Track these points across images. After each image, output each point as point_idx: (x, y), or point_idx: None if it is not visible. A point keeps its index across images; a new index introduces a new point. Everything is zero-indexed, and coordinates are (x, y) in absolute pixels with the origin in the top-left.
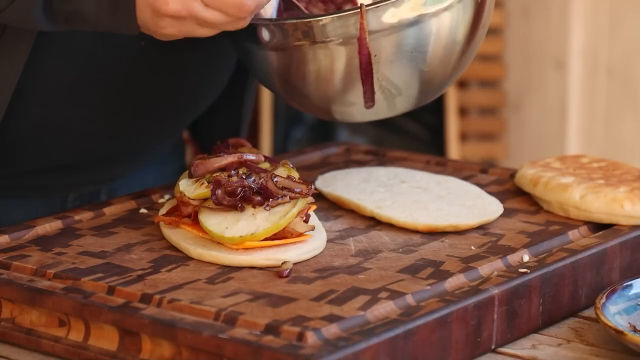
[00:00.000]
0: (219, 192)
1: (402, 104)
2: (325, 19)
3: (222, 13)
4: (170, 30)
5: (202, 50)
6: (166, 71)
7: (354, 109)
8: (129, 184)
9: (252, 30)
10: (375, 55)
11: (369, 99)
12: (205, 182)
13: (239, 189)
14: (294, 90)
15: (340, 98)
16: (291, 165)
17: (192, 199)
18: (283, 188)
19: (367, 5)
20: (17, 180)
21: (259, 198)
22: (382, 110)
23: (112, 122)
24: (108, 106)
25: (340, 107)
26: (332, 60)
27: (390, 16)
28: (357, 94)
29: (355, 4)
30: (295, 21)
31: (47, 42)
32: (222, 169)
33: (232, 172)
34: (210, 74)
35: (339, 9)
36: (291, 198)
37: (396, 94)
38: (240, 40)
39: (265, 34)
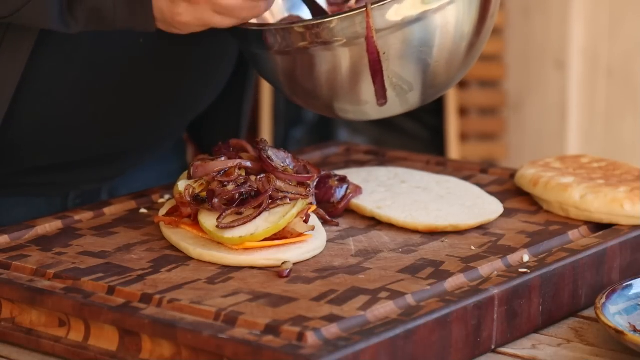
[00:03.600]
0: (215, 201)
1: (415, 99)
2: (332, 21)
3: None
4: (186, 17)
5: (202, 49)
6: (166, 69)
7: (368, 108)
8: (130, 183)
9: (259, 35)
10: (384, 53)
11: (381, 97)
12: (205, 183)
13: (237, 194)
14: (306, 93)
15: (353, 98)
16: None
17: (191, 202)
18: (282, 191)
19: (372, 4)
20: (18, 178)
21: (257, 202)
22: (395, 106)
23: (112, 120)
24: (108, 104)
25: (354, 107)
26: (342, 61)
27: (395, 13)
28: (369, 92)
29: None
30: (302, 24)
31: (48, 40)
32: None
33: (225, 182)
34: (210, 72)
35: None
36: (291, 199)
37: (408, 89)
38: (249, 46)
39: (272, 39)
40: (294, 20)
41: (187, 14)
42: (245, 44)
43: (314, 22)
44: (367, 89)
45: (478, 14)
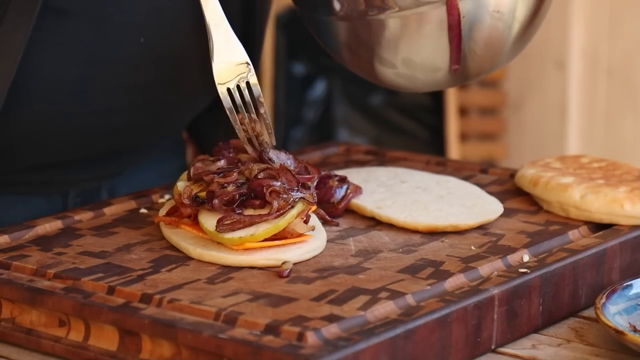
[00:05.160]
0: (215, 202)
1: (482, 68)
2: None
3: None
4: None
5: (202, 48)
6: (166, 67)
7: (440, 75)
8: (129, 182)
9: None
10: (464, 17)
11: (455, 61)
12: (204, 184)
13: (237, 195)
14: (378, 59)
15: (425, 64)
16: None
17: (190, 203)
18: (283, 195)
19: None
20: (17, 176)
21: (258, 202)
22: (465, 73)
23: (112, 118)
24: (107, 102)
25: (425, 75)
26: (418, 25)
27: None
28: (443, 58)
29: None
30: None
31: (46, 38)
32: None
33: (225, 184)
34: (210, 70)
35: None
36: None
37: (480, 55)
38: (312, 11)
39: (339, 4)
40: None
41: None
42: (310, 8)
43: None
44: (442, 54)
45: None
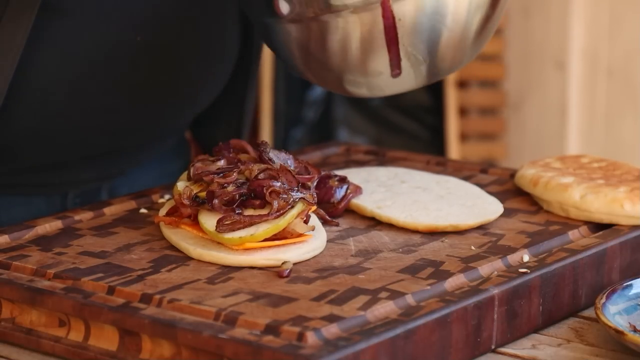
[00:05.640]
0: (215, 202)
1: (429, 73)
2: None
3: None
4: None
5: (201, 47)
6: (164, 66)
7: (381, 80)
8: (130, 182)
9: (270, 3)
10: (399, 19)
11: (396, 66)
12: (204, 184)
13: (237, 195)
14: (319, 65)
15: (366, 68)
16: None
17: (189, 204)
18: (283, 195)
19: None
20: (17, 177)
21: (258, 202)
22: (409, 79)
23: (111, 119)
24: (106, 102)
25: (367, 79)
26: (356, 28)
27: None
28: (383, 62)
29: None
30: None
31: (44, 37)
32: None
33: (224, 184)
34: (209, 71)
35: None
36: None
37: (422, 60)
38: (259, 15)
39: (283, 6)
40: None
41: None
42: (256, 14)
43: None
44: (382, 58)
45: None
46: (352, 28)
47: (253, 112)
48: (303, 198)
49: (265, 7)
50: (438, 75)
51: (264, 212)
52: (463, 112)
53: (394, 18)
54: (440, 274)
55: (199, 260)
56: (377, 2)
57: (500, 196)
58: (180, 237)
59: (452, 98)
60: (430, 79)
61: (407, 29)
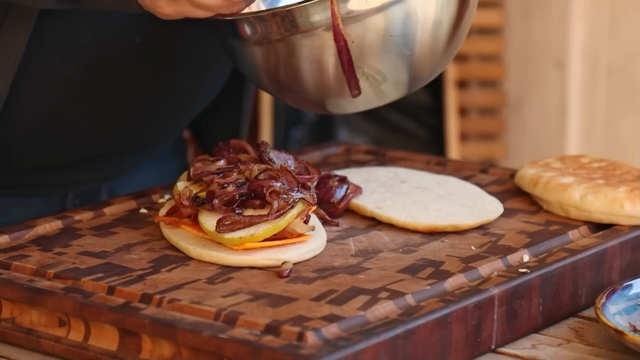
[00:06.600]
0: (215, 202)
1: (392, 91)
2: (296, 7)
3: None
4: (167, 10)
5: (199, 48)
6: (163, 67)
7: (344, 100)
8: (129, 183)
9: (233, 26)
10: (352, 42)
11: (354, 88)
12: (204, 184)
13: (237, 195)
14: (283, 86)
15: (328, 89)
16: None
17: (189, 204)
18: (284, 195)
19: None
20: (16, 178)
21: (258, 202)
22: (371, 98)
23: (110, 119)
24: (106, 103)
25: (330, 99)
26: (313, 50)
27: (359, 1)
28: (342, 82)
29: None
30: (271, 11)
31: (44, 39)
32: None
33: (224, 184)
34: (207, 71)
35: None
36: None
37: (382, 80)
38: (224, 39)
39: (246, 29)
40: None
41: (167, 7)
42: (221, 38)
43: (280, 9)
44: (340, 79)
45: (453, 3)
46: (316, 48)
47: (251, 111)
48: (303, 198)
49: (230, 29)
50: (404, 92)
51: (264, 212)
52: (463, 112)
53: (345, 40)
54: (440, 274)
55: (199, 260)
56: (329, 24)
57: (500, 196)
58: (180, 237)
59: (452, 98)
60: (394, 96)
61: (360, 51)
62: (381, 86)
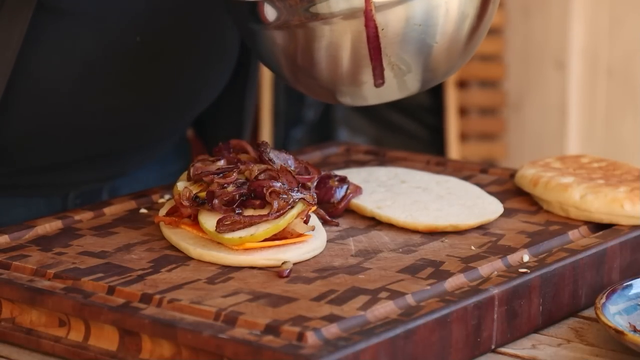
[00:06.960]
0: (215, 202)
1: (413, 83)
2: None
3: None
4: None
5: (200, 47)
6: (164, 67)
7: (364, 89)
8: (131, 183)
9: (254, 9)
10: (382, 29)
11: (379, 76)
12: (204, 184)
13: (237, 195)
14: (299, 70)
15: (349, 77)
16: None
17: (189, 204)
18: (284, 195)
19: None
20: (16, 178)
21: (258, 202)
22: (392, 89)
23: (111, 119)
24: (106, 103)
25: (350, 88)
26: (339, 36)
27: None
28: (366, 72)
29: None
30: None
31: (44, 38)
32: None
33: (224, 184)
34: (209, 71)
35: None
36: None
37: (406, 70)
38: (244, 21)
39: (268, 12)
40: None
41: None
42: (241, 20)
43: None
44: (365, 68)
45: None
46: (337, 36)
47: (254, 112)
48: (303, 198)
49: (250, 13)
50: (423, 86)
51: (264, 212)
52: (463, 112)
53: (376, 27)
54: (440, 274)
55: (199, 260)
56: (361, 9)
57: (500, 196)
58: (180, 237)
59: (452, 98)
60: (415, 89)
61: (390, 39)
62: (405, 77)
